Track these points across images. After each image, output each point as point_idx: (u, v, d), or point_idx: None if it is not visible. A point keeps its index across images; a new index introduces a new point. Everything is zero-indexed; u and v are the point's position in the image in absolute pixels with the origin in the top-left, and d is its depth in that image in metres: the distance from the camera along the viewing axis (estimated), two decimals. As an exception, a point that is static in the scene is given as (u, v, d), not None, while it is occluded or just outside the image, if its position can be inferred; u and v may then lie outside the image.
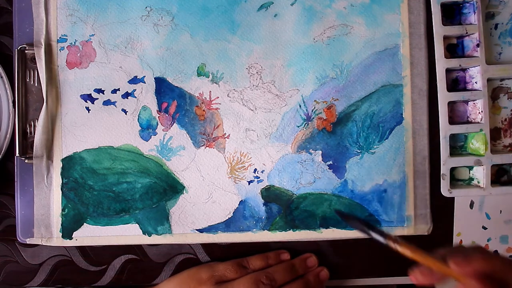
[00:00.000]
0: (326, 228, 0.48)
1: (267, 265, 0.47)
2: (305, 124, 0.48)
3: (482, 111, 0.47)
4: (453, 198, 0.49)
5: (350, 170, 0.48)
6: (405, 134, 0.48)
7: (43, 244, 0.47)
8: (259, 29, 0.47)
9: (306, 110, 0.48)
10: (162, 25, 0.47)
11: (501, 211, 0.49)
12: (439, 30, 0.47)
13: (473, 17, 0.47)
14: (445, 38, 0.47)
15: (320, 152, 0.48)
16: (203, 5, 0.47)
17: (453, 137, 0.48)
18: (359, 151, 0.48)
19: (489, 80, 0.47)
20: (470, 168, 0.49)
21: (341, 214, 0.45)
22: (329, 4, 0.47)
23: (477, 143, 0.47)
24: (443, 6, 0.47)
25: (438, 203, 0.48)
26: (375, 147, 0.48)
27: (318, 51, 0.47)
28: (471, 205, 0.49)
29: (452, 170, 0.48)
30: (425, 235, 0.48)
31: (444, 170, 0.47)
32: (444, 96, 0.47)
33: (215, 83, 0.47)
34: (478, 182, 0.48)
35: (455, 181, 0.49)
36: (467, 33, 0.47)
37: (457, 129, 0.47)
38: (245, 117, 0.48)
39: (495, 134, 0.49)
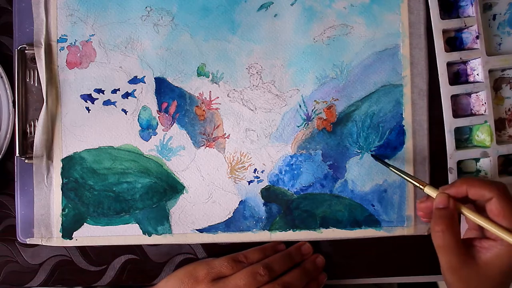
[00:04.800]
0: (326, 228, 0.48)
1: (264, 258, 0.46)
2: (305, 124, 0.48)
3: (485, 103, 0.47)
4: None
5: (350, 170, 0.48)
6: (405, 134, 0.48)
7: (43, 244, 0.47)
8: (259, 29, 0.47)
9: (306, 110, 0.48)
10: (162, 25, 0.47)
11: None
12: (438, 24, 0.47)
13: (471, 9, 0.47)
14: (444, 32, 0.47)
15: (320, 152, 0.48)
16: (203, 5, 0.47)
17: (458, 130, 0.48)
18: (359, 151, 0.48)
19: (490, 71, 0.47)
20: (477, 160, 0.48)
21: (375, 157, 0.47)
22: (329, 4, 0.47)
23: (482, 135, 0.47)
24: (441, 0, 0.47)
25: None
26: (375, 147, 0.48)
27: (318, 51, 0.47)
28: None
29: (459, 163, 0.48)
30: (425, 235, 0.48)
31: (451, 163, 0.47)
32: (446, 90, 0.47)
33: (215, 83, 0.47)
34: (486, 174, 0.48)
35: (462, 174, 0.48)
36: (465, 25, 0.47)
37: (462, 122, 0.47)
38: (245, 117, 0.48)
39: (499, 124, 0.49)
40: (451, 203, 0.38)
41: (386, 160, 0.47)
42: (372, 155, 0.47)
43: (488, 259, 0.37)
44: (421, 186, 0.41)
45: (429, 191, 0.41)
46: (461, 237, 0.39)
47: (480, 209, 0.39)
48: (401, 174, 0.44)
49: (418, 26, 0.47)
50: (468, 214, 0.38)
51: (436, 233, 0.38)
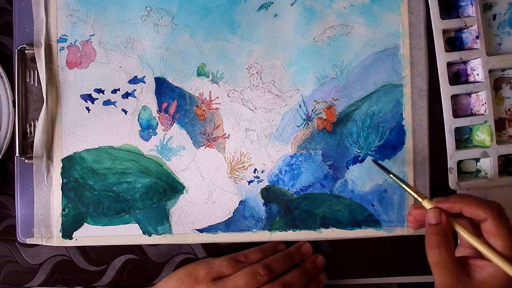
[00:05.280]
0: (326, 228, 0.48)
1: (264, 257, 0.46)
2: (305, 124, 0.48)
3: (485, 103, 0.47)
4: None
5: (350, 170, 0.48)
6: (405, 134, 0.48)
7: (43, 244, 0.47)
8: (259, 29, 0.47)
9: (306, 110, 0.48)
10: (162, 25, 0.47)
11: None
12: (438, 24, 0.47)
13: (471, 9, 0.47)
14: (444, 32, 0.47)
15: (320, 152, 0.48)
16: (203, 5, 0.47)
17: (458, 130, 0.48)
18: (359, 151, 0.48)
19: (490, 71, 0.47)
20: (477, 160, 0.48)
21: (376, 163, 0.46)
22: (329, 4, 0.47)
23: (483, 135, 0.47)
24: (441, 0, 0.47)
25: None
26: (375, 147, 0.48)
27: (318, 51, 0.47)
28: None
29: (459, 163, 0.48)
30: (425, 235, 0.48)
31: (451, 163, 0.47)
32: (446, 90, 0.47)
33: (215, 83, 0.47)
34: (486, 174, 0.48)
35: (462, 174, 0.48)
36: (466, 25, 0.47)
37: (462, 122, 0.47)
38: (245, 117, 0.48)
39: (499, 124, 0.49)
40: (443, 219, 0.38)
41: (386, 161, 0.47)
42: (372, 160, 0.47)
43: (482, 278, 0.37)
44: (420, 199, 0.40)
45: (427, 205, 0.39)
46: (455, 254, 0.38)
47: (475, 226, 0.38)
48: (401, 184, 0.42)
49: (418, 26, 0.47)
50: (463, 233, 0.37)
51: (430, 249, 0.38)
